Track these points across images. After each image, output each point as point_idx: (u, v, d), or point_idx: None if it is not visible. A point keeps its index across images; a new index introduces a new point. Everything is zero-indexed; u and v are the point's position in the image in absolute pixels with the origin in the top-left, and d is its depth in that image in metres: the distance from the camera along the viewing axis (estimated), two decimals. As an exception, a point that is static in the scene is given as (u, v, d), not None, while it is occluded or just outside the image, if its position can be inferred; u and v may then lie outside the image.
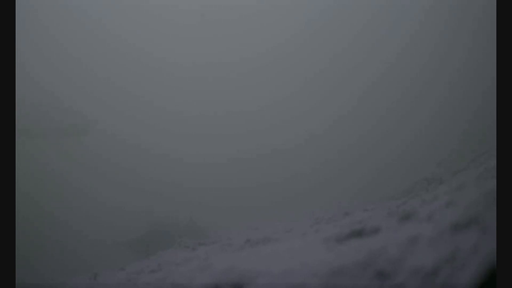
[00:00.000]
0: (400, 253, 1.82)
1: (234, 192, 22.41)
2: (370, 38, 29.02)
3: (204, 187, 23.03)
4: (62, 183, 23.01)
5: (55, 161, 24.67)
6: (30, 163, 22.99)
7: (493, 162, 4.27)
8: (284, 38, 29.99)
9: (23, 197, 18.04)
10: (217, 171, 25.46)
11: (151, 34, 31.14)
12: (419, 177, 7.00)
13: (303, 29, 30.16)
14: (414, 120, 25.27)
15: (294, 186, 22.43)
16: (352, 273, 1.78)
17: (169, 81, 28.79)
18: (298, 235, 3.68)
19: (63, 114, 25.92)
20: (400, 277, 1.67)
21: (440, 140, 21.57)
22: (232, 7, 30.97)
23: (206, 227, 13.94)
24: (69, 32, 29.82)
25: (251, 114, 27.95)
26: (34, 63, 27.39)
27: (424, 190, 5.18)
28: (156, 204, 19.53)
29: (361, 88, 28.34)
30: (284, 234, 4.04)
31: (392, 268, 1.73)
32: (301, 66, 29.58)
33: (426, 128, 24.23)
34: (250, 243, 3.77)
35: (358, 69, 29.03)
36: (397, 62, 28.16)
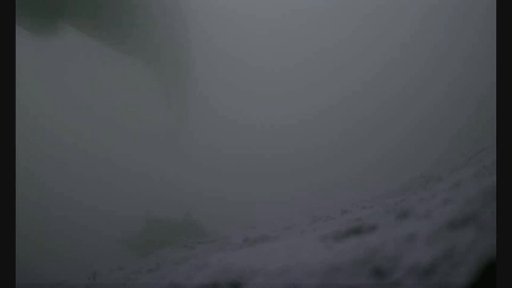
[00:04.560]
0: (397, 250, 1.83)
1: (232, 186, 22.43)
2: (372, 31, 28.94)
3: (202, 185, 23.06)
4: (61, 182, 23.02)
5: (55, 160, 24.70)
6: (29, 162, 23.00)
7: (491, 159, 4.27)
8: (280, 28, 29.81)
9: (23, 197, 18.03)
10: (215, 167, 25.48)
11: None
12: (417, 174, 7.01)
13: (302, 20, 30.06)
14: (412, 117, 25.29)
15: (293, 183, 22.45)
16: (349, 271, 1.79)
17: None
18: (296, 233, 3.69)
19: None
20: (397, 275, 1.68)
21: (438, 137, 21.60)
22: None
23: (205, 226, 13.93)
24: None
25: (253, 112, 27.97)
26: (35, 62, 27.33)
27: (422, 188, 5.19)
28: (153, 203, 19.55)
29: (360, 84, 28.31)
30: (282, 232, 4.04)
31: (390, 266, 1.74)
32: (301, 58, 29.47)
33: (424, 125, 24.26)
34: (248, 241, 3.78)
35: (359, 64, 28.97)
36: (398, 57, 28.13)
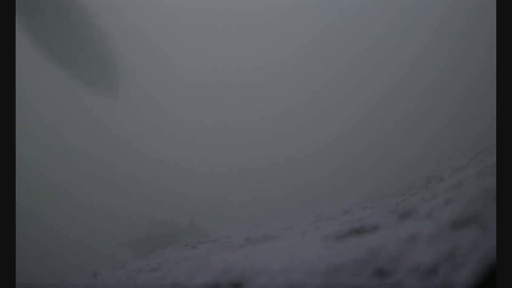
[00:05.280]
0: (399, 250, 1.82)
1: (235, 195, 22.46)
2: (381, 47, 29.02)
3: (205, 190, 23.09)
4: (65, 184, 23.05)
5: (60, 160, 24.74)
6: (31, 162, 23.05)
7: (492, 160, 4.27)
8: (296, 45, 29.97)
9: (24, 196, 18.05)
10: (219, 176, 25.54)
11: (157, 36, 31.08)
12: (418, 175, 7.00)
13: (316, 36, 30.17)
14: (414, 118, 25.29)
15: (292, 181, 22.47)
16: (351, 271, 1.78)
17: (174, 86, 28.74)
18: (298, 233, 3.68)
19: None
20: (399, 275, 1.67)
21: (440, 138, 21.59)
22: (240, 12, 30.85)
23: (207, 228, 13.92)
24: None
25: (258, 122, 28.03)
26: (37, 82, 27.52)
27: (423, 188, 5.18)
28: (157, 205, 19.57)
29: (363, 87, 28.35)
30: (284, 232, 4.04)
31: (391, 266, 1.74)
32: (310, 74, 29.60)
33: (426, 126, 24.25)
34: (250, 241, 3.77)
35: (362, 69, 29.00)
36: (401, 62, 28.16)
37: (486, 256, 1.54)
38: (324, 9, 29.78)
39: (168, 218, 15.36)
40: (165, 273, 2.86)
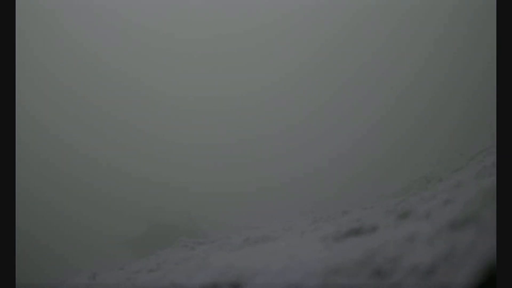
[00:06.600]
0: (397, 251, 1.82)
1: (234, 194, 22.45)
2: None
3: (205, 188, 23.11)
4: (63, 183, 23.05)
5: (59, 160, 24.78)
6: (32, 162, 23.06)
7: (491, 160, 4.27)
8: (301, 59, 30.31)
9: (24, 195, 18.04)
10: (218, 172, 25.62)
11: (152, 67, 31.44)
12: (418, 175, 7.02)
13: (322, 46, 30.48)
14: (413, 119, 25.30)
15: (292, 181, 22.46)
16: (349, 272, 1.78)
17: (175, 112, 29.24)
18: (297, 233, 3.68)
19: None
20: (397, 276, 1.67)
21: (440, 139, 21.59)
22: (240, 35, 31.17)
23: (206, 227, 13.92)
24: (67, 67, 30.16)
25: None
26: (33, 98, 27.71)
27: (422, 188, 5.17)
28: (156, 205, 19.57)
29: (366, 88, 28.49)
30: (283, 233, 4.04)
31: (390, 266, 1.74)
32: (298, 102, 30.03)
33: (425, 127, 24.26)
34: (249, 241, 3.77)
35: (366, 74, 29.18)
36: (402, 64, 28.29)
37: (485, 256, 1.54)
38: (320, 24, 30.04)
39: (167, 219, 15.37)
40: (164, 273, 2.87)
